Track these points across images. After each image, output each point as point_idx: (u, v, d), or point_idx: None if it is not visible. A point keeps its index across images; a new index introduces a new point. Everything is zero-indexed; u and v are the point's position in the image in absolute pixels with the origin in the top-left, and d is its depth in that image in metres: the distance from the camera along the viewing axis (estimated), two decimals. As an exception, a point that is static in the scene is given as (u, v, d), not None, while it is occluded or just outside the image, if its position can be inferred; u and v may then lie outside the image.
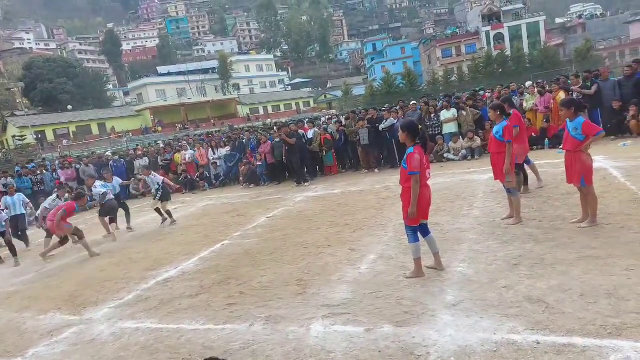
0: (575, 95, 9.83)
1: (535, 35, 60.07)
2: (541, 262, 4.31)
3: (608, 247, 4.37)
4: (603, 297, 3.46)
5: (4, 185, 13.15)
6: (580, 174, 4.96)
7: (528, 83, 13.01)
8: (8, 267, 8.45)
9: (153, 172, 10.27)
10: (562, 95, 10.03)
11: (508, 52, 53.08)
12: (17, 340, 4.69)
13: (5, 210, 9.24)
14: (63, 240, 8.10)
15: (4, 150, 39.98)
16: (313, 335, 3.67)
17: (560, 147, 8.91)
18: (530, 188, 7.02)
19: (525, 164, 6.83)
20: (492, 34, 61.02)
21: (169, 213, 9.67)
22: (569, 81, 12.18)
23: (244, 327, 4.07)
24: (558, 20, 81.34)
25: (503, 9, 65.63)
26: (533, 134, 10.56)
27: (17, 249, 8.75)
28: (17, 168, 16.08)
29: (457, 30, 71.66)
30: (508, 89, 12.22)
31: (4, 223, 8.81)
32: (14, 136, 41.25)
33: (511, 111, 6.44)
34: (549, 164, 8.47)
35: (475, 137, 11.39)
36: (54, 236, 8.30)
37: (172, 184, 10.36)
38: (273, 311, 4.28)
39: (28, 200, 10.34)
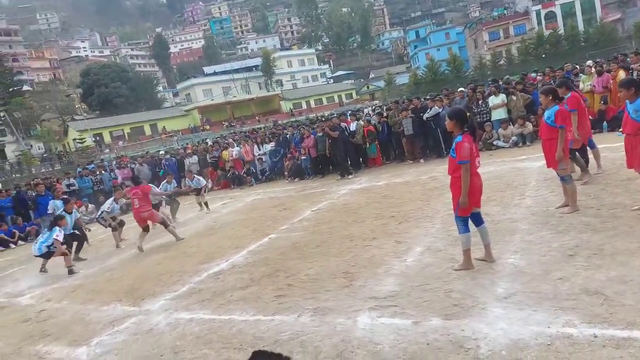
0: (635, 75, 9.18)
1: (590, 12, 56.41)
2: (599, 253, 4.09)
3: (675, 236, 4.08)
4: (668, 289, 3.24)
5: (67, 185, 14.07)
6: (641, 158, 4.65)
7: (589, 62, 12.16)
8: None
9: (197, 176, 11.58)
10: (621, 74, 9.42)
11: (561, 31, 50.28)
12: (82, 331, 5.02)
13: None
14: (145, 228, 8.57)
15: (66, 152, 42.70)
16: (360, 327, 3.69)
17: (620, 129, 8.41)
18: (590, 174, 6.65)
19: (589, 148, 6.49)
20: (542, 12, 57.89)
21: (206, 204, 11.02)
22: (628, 59, 11.40)
23: (292, 318, 4.15)
24: (616, -6, 75.87)
25: (554, -15, 62.14)
26: (590, 117, 9.98)
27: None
28: (78, 169, 17.13)
29: (505, 11, 68.58)
30: (561, 70, 11.58)
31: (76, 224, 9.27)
32: (74, 139, 44.04)
33: (568, 94, 6.15)
34: (607, 148, 7.98)
35: (527, 122, 10.91)
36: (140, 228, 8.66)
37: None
38: (320, 303, 4.33)
39: (79, 216, 10.54)
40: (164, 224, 8.52)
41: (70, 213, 8.84)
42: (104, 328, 4.94)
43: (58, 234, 7.80)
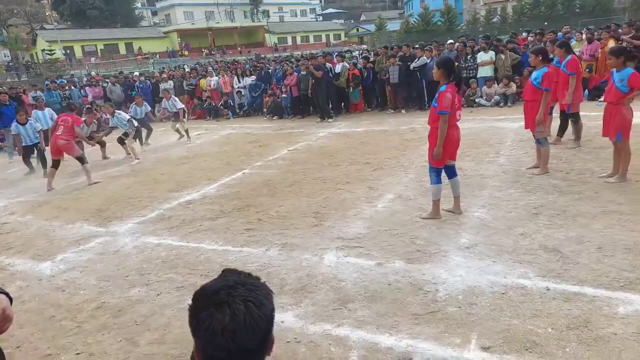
0: (625, 45, 9.17)
1: (590, -23, 55.12)
2: (562, 213, 4.25)
3: (634, 204, 4.26)
4: (621, 252, 3.42)
5: (33, 97, 13.41)
6: (617, 127, 4.74)
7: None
8: (38, 177, 8.79)
9: (174, 97, 10.48)
10: (611, 43, 9.39)
11: (558, -6, 49.18)
12: (46, 246, 4.99)
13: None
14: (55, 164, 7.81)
15: (34, 63, 40.43)
16: (326, 264, 3.79)
17: (600, 99, 8.51)
18: (563, 140, 6.78)
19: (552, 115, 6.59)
20: (543, -28, 56.23)
21: (187, 132, 10.36)
22: (620, 30, 11.33)
23: (260, 251, 4.21)
24: (618, -39, 74.11)
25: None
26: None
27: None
28: (46, 82, 16.30)
29: (506, -34, 66.30)
30: (553, 33, 11.41)
31: (37, 133, 9.03)
32: (43, 50, 41.55)
33: (568, 56, 6.16)
34: (585, 116, 8.01)
35: (511, 83, 10.89)
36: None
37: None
38: (289, 239, 4.40)
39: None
40: (81, 160, 7.75)
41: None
42: (69, 245, 4.92)
43: None
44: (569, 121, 6.71)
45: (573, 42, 11.23)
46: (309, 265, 3.80)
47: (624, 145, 4.80)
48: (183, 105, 10.91)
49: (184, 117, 10.62)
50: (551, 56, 6.22)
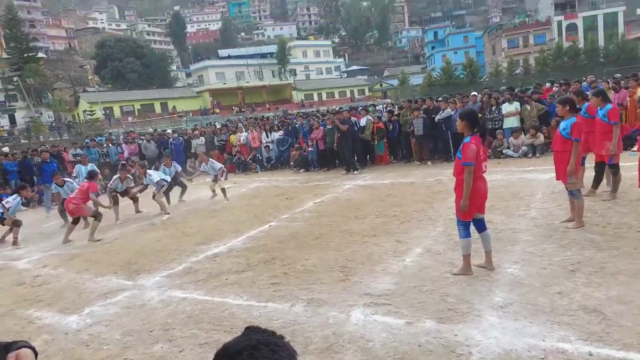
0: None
1: (612, 27, 55.54)
2: (601, 270, 4.04)
3: (679, 260, 4.02)
4: (668, 313, 3.19)
5: (74, 155, 14.11)
6: (654, 178, 4.57)
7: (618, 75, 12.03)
8: (75, 231, 9.05)
9: (211, 160, 10.71)
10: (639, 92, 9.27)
11: (581, 45, 49.66)
12: (75, 299, 5.05)
13: (76, 179, 9.93)
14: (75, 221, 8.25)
15: (75, 123, 42.88)
16: (353, 322, 3.67)
17: (633, 148, 8.29)
18: (598, 192, 6.58)
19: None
20: (564, 24, 57.14)
21: (224, 191, 10.27)
22: (648, 78, 11.22)
23: (285, 306, 4.14)
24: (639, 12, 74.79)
25: (579, -3, 61.34)
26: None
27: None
28: (86, 140, 17.18)
29: (527, 19, 67.82)
30: (578, 83, 11.41)
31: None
32: (84, 111, 44.17)
33: (609, 105, 6.11)
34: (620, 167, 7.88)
35: (538, 133, 10.80)
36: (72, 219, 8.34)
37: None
38: (315, 294, 4.32)
39: (98, 171, 10.95)
40: (94, 217, 8.06)
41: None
42: (97, 299, 4.96)
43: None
44: (607, 172, 6.53)
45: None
46: (336, 323, 3.69)
47: (663, 197, 4.61)
48: (222, 165, 10.79)
49: (222, 176, 10.47)
50: (578, 106, 6.18)
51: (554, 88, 13.37)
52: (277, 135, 15.35)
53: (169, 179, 10.02)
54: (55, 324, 4.41)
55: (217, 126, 19.73)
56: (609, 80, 12.79)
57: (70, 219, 8.51)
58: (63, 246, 7.79)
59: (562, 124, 5.36)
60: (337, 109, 18.39)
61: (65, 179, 9.62)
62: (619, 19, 56.38)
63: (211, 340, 3.64)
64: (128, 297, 4.89)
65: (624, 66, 35.69)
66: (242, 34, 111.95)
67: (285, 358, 0.92)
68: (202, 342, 3.66)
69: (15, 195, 8.90)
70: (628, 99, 10.19)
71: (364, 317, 3.74)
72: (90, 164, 10.94)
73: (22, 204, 12.44)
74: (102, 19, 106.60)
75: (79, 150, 14.62)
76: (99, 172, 9.55)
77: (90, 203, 8.22)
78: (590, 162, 6.68)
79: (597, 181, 6.58)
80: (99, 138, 18.55)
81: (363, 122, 12.82)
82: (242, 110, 50.16)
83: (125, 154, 15.69)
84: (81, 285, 5.49)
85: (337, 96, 63.03)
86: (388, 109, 14.56)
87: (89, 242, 7.72)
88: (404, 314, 3.70)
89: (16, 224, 8.34)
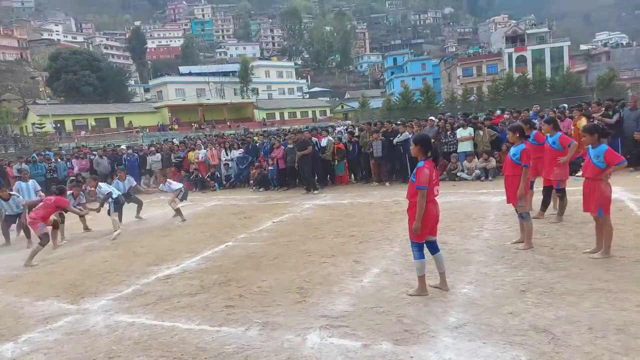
0: (597, 122, 9.64)
1: (558, 60, 59.61)
2: (550, 291, 4.17)
3: (621, 281, 4.21)
4: (612, 333, 3.31)
5: (18, 170, 13.33)
6: (598, 202, 4.81)
7: (565, 105, 12.83)
8: (12, 250, 8.48)
9: (169, 180, 10.34)
10: (583, 121, 9.85)
11: (530, 76, 52.69)
12: (12, 325, 4.67)
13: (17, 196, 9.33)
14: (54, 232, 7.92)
15: (22, 136, 40.76)
16: (309, 346, 3.58)
17: (577, 174, 8.74)
18: (546, 214, 6.86)
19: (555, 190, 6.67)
20: (514, 56, 60.74)
21: (179, 211, 9.90)
22: (590, 108, 11.98)
23: (239, 330, 3.99)
24: (583, 47, 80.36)
25: (527, 31, 65.41)
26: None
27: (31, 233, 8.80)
28: (33, 155, 16.31)
29: (480, 50, 71.47)
30: (527, 111, 12.04)
31: (21, 206, 8.88)
32: (33, 123, 42.08)
33: (558, 133, 6.37)
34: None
35: (491, 158, 11.23)
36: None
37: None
38: (270, 317, 4.20)
39: (39, 188, 10.41)
40: (41, 239, 7.47)
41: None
42: (36, 324, 4.62)
43: None
44: (554, 196, 6.83)
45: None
46: (291, 347, 3.59)
47: (606, 221, 4.85)
48: (181, 186, 10.37)
49: (177, 196, 10.10)
50: (527, 134, 6.47)
51: (505, 115, 14.03)
52: (237, 153, 15.17)
53: (118, 193, 9.51)
54: (-13, 352, 4.05)
55: (176, 143, 19.26)
56: (554, 110, 13.55)
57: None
58: (2, 266, 7.25)
59: (512, 150, 5.59)
60: (300, 128, 18.43)
61: (11, 192, 9.05)
62: (564, 52, 60.62)
63: (159, 368, 3.43)
64: (70, 322, 4.58)
65: (569, 96, 38.08)
66: (204, 52, 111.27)
67: None
68: (149, 369, 3.46)
69: None
70: (572, 127, 10.81)
71: (320, 340, 3.67)
72: (31, 180, 10.30)
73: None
74: (57, 31, 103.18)
75: (24, 165, 13.83)
76: (65, 188, 8.94)
77: (44, 225, 7.62)
78: (538, 186, 6.98)
79: (544, 204, 6.87)
80: (46, 153, 17.65)
81: (324, 142, 12.91)
82: (202, 127, 49.43)
83: (75, 170, 15.01)
84: (19, 310, 5.10)
85: (299, 116, 63.46)
86: (348, 130, 14.75)
87: (24, 266, 7.14)
88: (360, 336, 3.65)
89: None
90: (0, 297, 5.66)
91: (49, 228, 7.85)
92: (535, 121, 11.43)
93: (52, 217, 8.01)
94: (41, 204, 7.92)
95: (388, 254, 5.85)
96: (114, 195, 9.25)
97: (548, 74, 55.19)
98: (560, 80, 50.18)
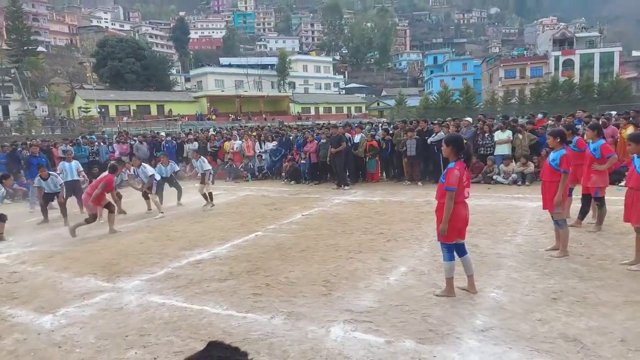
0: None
1: (608, 66, 56.95)
2: (583, 301, 4.04)
3: (660, 296, 4.04)
4: (647, 348, 3.19)
5: (63, 151, 13.96)
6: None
7: (614, 112, 12.40)
8: (53, 228, 8.91)
9: (202, 158, 10.60)
10: (630, 129, 9.43)
11: (576, 80, 50.67)
12: (51, 298, 4.93)
13: (60, 175, 9.80)
14: (90, 219, 8.06)
15: (69, 119, 42.58)
16: (332, 338, 3.62)
17: (621, 183, 8.40)
18: (584, 223, 6.63)
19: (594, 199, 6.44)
20: (561, 59, 58.47)
21: (210, 195, 10.12)
22: (638, 117, 11.43)
23: (265, 318, 4.07)
24: (635, 53, 76.54)
25: (577, 35, 62.80)
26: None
27: (67, 212, 9.25)
28: (78, 137, 17.03)
29: (525, 52, 69.17)
30: (572, 117, 11.60)
31: (59, 186, 9.34)
32: (79, 107, 43.91)
33: (601, 140, 6.17)
34: (606, 200, 7.96)
35: (529, 162, 10.91)
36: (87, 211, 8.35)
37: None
38: (296, 308, 4.26)
39: (82, 169, 10.90)
40: (89, 217, 7.97)
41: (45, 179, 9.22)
42: (73, 299, 4.85)
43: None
44: (593, 205, 6.59)
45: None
46: (315, 338, 3.64)
47: (647, 232, 4.65)
48: (210, 168, 10.67)
49: (208, 179, 10.36)
50: (569, 139, 6.26)
51: (548, 121, 13.57)
52: (270, 145, 15.35)
53: (158, 177, 10.00)
54: (29, 323, 4.29)
55: (212, 132, 19.66)
56: (599, 117, 13.00)
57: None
58: (44, 242, 7.65)
59: (552, 155, 5.42)
60: (335, 123, 18.44)
61: (50, 172, 9.51)
62: (614, 58, 57.83)
63: (187, 349, 3.56)
64: (105, 300, 4.79)
65: (617, 104, 36.42)
66: (245, 45, 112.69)
67: None
68: (178, 350, 3.58)
69: None
70: (618, 135, 10.36)
71: (344, 333, 3.70)
72: (75, 161, 10.78)
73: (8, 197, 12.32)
74: (106, 19, 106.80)
75: (68, 147, 14.46)
76: (118, 166, 9.40)
77: (94, 205, 8.08)
78: (578, 194, 6.74)
79: (583, 213, 6.64)
80: (91, 136, 18.40)
81: (357, 138, 12.88)
82: (239, 118, 50.19)
83: (116, 154, 15.56)
84: (59, 284, 5.37)
85: (334, 111, 63.43)
86: (384, 127, 14.65)
87: (67, 227, 7.85)
88: (384, 333, 3.65)
89: (1, 218, 8.18)
90: (41, 271, 5.97)
91: (100, 209, 8.27)
92: (579, 127, 11.05)
93: (107, 198, 8.38)
94: (93, 182, 8.40)
95: (417, 253, 5.81)
96: (157, 178, 9.78)
97: (596, 79, 52.87)
98: (608, 87, 48.04)
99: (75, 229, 7.87)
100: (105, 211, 8.45)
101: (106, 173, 8.46)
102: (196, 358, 0.91)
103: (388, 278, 4.94)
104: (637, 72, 61.10)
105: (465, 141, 4.38)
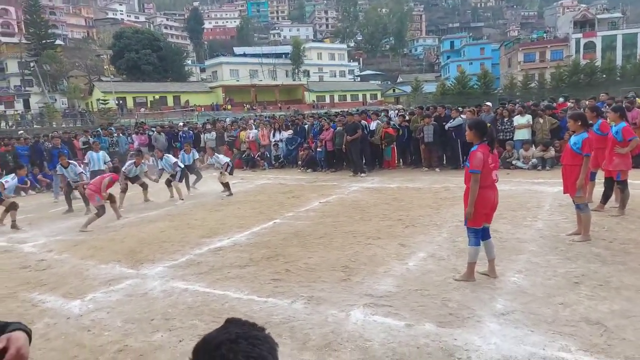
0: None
1: (631, 47, 55.07)
2: (605, 284, 4.00)
3: (686, 280, 3.97)
4: (673, 331, 3.15)
5: (83, 142, 14.24)
6: (664, 196, 4.52)
7: (631, 94, 12.08)
8: (78, 217, 9.13)
9: (216, 154, 10.82)
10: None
11: (598, 63, 49.24)
12: (78, 284, 5.08)
13: (88, 165, 10.08)
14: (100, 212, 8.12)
15: (88, 111, 43.27)
16: (352, 322, 3.66)
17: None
18: (606, 207, 6.51)
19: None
20: (582, 41, 56.77)
21: (227, 185, 10.29)
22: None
23: (285, 303, 4.14)
24: (660, 33, 73.83)
25: (598, 16, 60.86)
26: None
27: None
28: (98, 129, 17.33)
29: (545, 35, 67.37)
30: (594, 100, 11.32)
31: (77, 176, 9.54)
32: (98, 99, 44.57)
33: (623, 123, 6.06)
34: (629, 184, 7.79)
35: (550, 148, 10.72)
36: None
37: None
38: (316, 292, 4.31)
39: (109, 159, 11.17)
40: (97, 210, 8.04)
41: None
42: (100, 285, 4.99)
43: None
44: (615, 188, 6.47)
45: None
46: (335, 322, 3.69)
47: (673, 216, 4.56)
48: (228, 160, 10.73)
49: (226, 170, 10.39)
50: (592, 122, 6.14)
51: (568, 104, 13.27)
52: (286, 134, 15.39)
53: (182, 165, 10.31)
54: (58, 308, 4.43)
55: (228, 122, 19.78)
56: (621, 100, 12.63)
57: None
58: (69, 231, 7.85)
59: (573, 139, 5.32)
60: (348, 111, 18.35)
61: (70, 161, 9.75)
62: (638, 39, 55.87)
63: (210, 331, 3.64)
64: (131, 285, 4.92)
65: (640, 86, 35.33)
66: (259, 34, 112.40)
67: (265, 351, 0.90)
68: (202, 333, 3.64)
69: (12, 175, 8.93)
70: (641, 117, 10.08)
71: (364, 317, 3.74)
72: (102, 151, 11.05)
73: (32, 189, 12.65)
74: (121, 11, 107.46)
75: (89, 138, 14.74)
76: (120, 168, 9.64)
77: (100, 198, 8.16)
78: (600, 178, 6.62)
79: (605, 197, 6.53)
80: (110, 127, 18.72)
81: (373, 126, 12.82)
82: (254, 107, 50.32)
83: (135, 145, 15.81)
84: (85, 272, 5.52)
85: (349, 99, 63.06)
86: (400, 114, 14.54)
87: (79, 231, 7.67)
88: (404, 316, 3.68)
89: (13, 206, 8.34)
90: (67, 259, 6.15)
91: (105, 201, 8.40)
92: (604, 109, 10.77)
93: (108, 192, 8.52)
94: (97, 178, 8.54)
95: (436, 239, 5.80)
96: (181, 165, 10.12)
97: (619, 61, 51.27)
98: (631, 69, 46.57)
99: (87, 226, 7.85)
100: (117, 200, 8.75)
101: (109, 174, 8.69)
102: (214, 336, 0.93)
103: (407, 263, 4.95)
104: (663, 53, 59.05)
105: (488, 125, 4.34)
